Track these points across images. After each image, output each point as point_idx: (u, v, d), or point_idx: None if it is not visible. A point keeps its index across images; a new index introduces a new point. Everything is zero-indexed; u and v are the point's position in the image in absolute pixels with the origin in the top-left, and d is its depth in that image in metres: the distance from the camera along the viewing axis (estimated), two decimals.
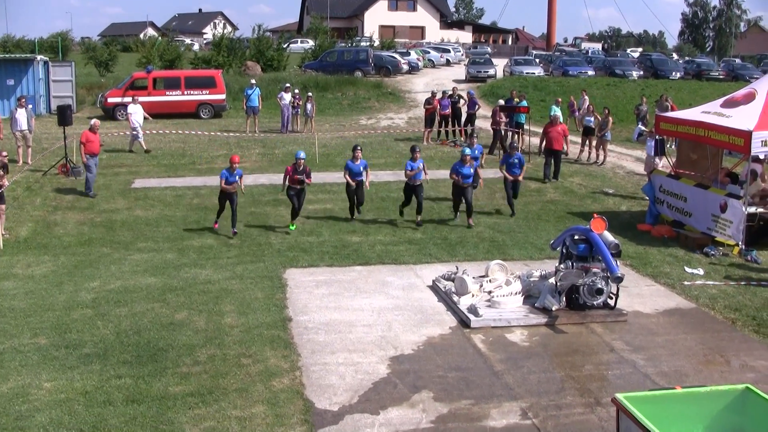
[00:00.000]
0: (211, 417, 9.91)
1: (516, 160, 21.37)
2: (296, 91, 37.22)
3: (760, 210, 18.20)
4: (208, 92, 38.85)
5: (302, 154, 18.78)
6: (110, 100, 39.03)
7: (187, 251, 17.36)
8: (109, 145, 30.71)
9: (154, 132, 31.85)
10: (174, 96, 39.22)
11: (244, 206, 21.44)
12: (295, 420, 9.90)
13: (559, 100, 32.76)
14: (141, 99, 32.25)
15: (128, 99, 33.30)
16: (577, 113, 35.11)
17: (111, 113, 38.58)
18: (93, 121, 23.76)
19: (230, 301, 14.16)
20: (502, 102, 33.02)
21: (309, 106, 35.42)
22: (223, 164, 27.45)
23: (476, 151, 22.09)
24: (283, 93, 35.95)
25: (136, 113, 29.97)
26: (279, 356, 11.82)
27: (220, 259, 16.75)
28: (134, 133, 30.01)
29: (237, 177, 18.39)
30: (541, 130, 28.35)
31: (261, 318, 13.34)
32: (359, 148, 20.06)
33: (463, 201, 19.98)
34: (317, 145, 29.40)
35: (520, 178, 21.43)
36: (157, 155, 29.15)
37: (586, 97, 35.55)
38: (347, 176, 19.81)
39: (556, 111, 29.41)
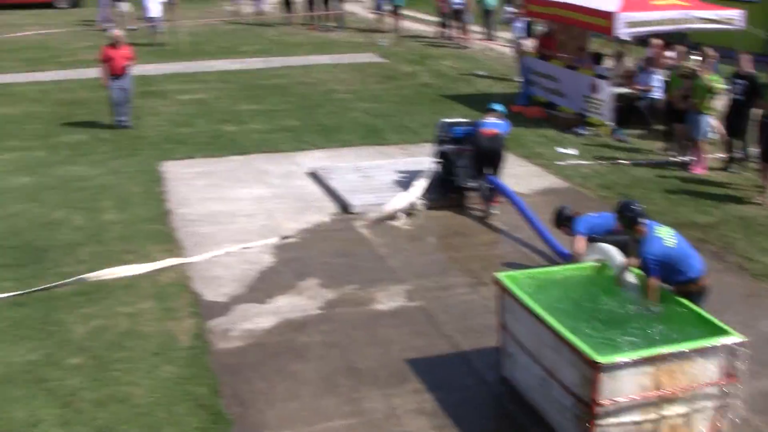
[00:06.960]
0: (100, 315, 9.81)
1: None
2: None
3: (627, 90, 18.83)
4: None
5: None
6: None
7: (58, 148, 16.78)
8: None
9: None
10: None
11: None
12: (185, 313, 9.91)
13: None
14: None
15: None
16: None
17: None
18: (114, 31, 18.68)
19: (108, 197, 13.85)
20: None
21: None
22: (89, 56, 26.54)
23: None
24: None
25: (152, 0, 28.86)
26: (162, 250, 11.69)
27: (94, 155, 16.27)
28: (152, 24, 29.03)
29: None
30: None
31: (141, 213, 13.13)
32: None
33: None
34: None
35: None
36: (16, 48, 27.87)
37: None
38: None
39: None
